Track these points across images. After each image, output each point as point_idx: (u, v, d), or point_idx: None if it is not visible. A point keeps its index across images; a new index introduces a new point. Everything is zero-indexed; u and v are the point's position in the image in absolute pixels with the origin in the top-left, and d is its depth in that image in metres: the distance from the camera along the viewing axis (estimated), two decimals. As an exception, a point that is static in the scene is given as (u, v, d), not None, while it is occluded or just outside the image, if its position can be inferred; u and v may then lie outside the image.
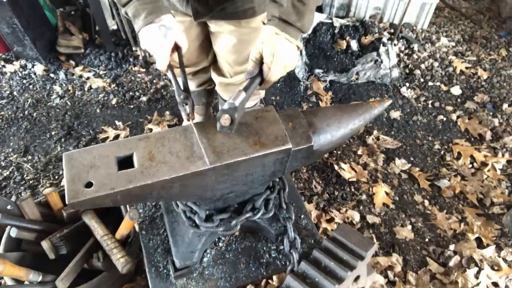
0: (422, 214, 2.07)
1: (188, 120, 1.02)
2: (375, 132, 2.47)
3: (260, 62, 0.99)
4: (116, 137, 2.33)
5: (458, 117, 2.62)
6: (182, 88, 1.05)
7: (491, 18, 3.58)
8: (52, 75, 2.78)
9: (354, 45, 2.90)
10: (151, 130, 2.40)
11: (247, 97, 0.95)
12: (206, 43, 1.57)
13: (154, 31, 1.02)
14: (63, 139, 2.36)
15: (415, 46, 3.10)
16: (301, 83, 2.79)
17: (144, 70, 2.86)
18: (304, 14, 1.00)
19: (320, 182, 2.17)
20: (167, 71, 1.07)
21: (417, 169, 2.27)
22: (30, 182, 2.12)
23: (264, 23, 1.02)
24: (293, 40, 1.00)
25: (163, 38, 1.02)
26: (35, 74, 2.77)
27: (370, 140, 2.41)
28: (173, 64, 1.09)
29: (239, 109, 0.90)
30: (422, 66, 2.97)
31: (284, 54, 0.98)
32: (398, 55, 3.02)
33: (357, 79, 2.79)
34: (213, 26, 1.41)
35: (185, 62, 1.62)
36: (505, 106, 2.69)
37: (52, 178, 2.13)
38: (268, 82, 1.01)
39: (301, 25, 1.00)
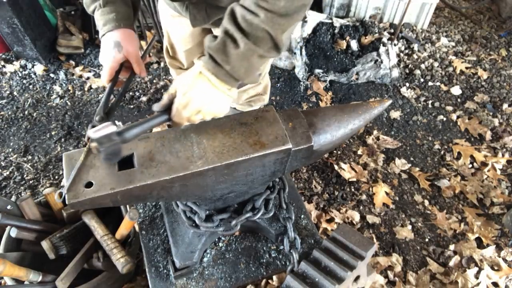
0: (422, 214, 2.07)
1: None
2: (375, 132, 2.47)
3: (174, 98, 0.89)
4: (116, 137, 2.33)
5: (458, 117, 2.62)
6: (104, 109, 0.98)
7: (491, 18, 3.58)
8: (52, 75, 2.78)
9: (354, 45, 2.90)
10: (151, 130, 2.40)
11: (133, 132, 0.84)
12: None
13: (108, 44, 1.00)
14: (63, 139, 2.36)
15: (415, 46, 3.10)
16: (301, 83, 2.79)
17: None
18: (234, 57, 0.83)
19: (320, 182, 2.17)
20: (108, 83, 1.04)
21: (417, 169, 2.27)
22: (30, 182, 2.12)
23: (199, 57, 0.89)
24: (220, 85, 0.87)
25: (111, 54, 1.00)
26: (35, 74, 2.77)
27: (370, 140, 2.41)
28: (119, 81, 1.06)
29: (101, 142, 0.79)
30: (422, 66, 2.97)
31: (198, 98, 0.86)
32: (398, 55, 3.02)
33: (357, 79, 2.79)
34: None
35: (190, 65, 1.63)
36: (505, 106, 2.69)
37: (52, 178, 2.13)
38: (175, 122, 0.91)
39: (231, 69, 0.85)
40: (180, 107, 0.88)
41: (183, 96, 0.87)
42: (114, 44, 1.00)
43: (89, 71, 2.83)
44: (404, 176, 2.25)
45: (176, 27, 1.46)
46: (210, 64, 0.86)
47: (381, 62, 2.79)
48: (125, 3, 1.04)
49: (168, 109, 0.91)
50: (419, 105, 2.70)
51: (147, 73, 2.84)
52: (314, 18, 2.90)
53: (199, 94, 0.87)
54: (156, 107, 0.91)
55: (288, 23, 0.85)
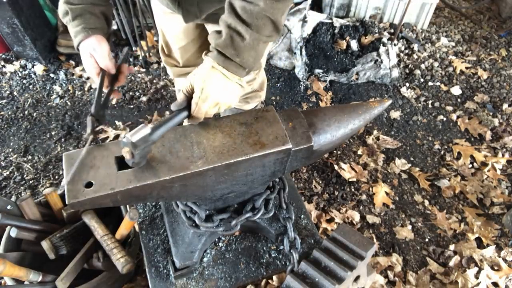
0: (422, 214, 2.07)
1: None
2: (375, 132, 2.47)
3: (191, 95, 0.93)
4: (116, 137, 2.33)
5: (458, 117, 2.62)
6: (99, 101, 1.03)
7: (491, 18, 3.58)
8: (52, 75, 2.78)
9: (354, 45, 2.90)
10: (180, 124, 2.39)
11: (159, 132, 0.86)
12: (207, 44, 1.57)
13: (84, 54, 1.08)
14: (63, 139, 2.36)
15: (415, 46, 3.10)
16: (301, 83, 2.79)
17: (144, 70, 2.86)
18: (242, 50, 0.89)
19: (320, 182, 2.17)
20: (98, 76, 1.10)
21: (417, 169, 2.27)
22: (30, 182, 2.12)
23: (206, 53, 0.94)
24: (232, 76, 0.92)
25: (89, 62, 1.08)
26: (35, 74, 2.77)
27: (370, 140, 2.41)
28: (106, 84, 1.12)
29: (138, 145, 0.81)
30: (422, 66, 2.97)
31: (215, 91, 0.91)
32: (398, 55, 3.02)
33: (357, 79, 2.79)
34: (210, 28, 1.41)
35: (185, 62, 1.64)
36: (505, 106, 2.69)
37: (52, 178, 2.13)
38: (195, 118, 0.94)
39: (241, 60, 0.90)
40: (200, 102, 0.91)
41: (202, 92, 0.90)
42: (89, 54, 1.07)
43: (89, 71, 2.82)
44: (404, 176, 2.25)
45: (169, 24, 1.46)
46: (220, 59, 0.89)
47: (381, 62, 2.79)
48: (94, 15, 1.09)
49: (186, 105, 0.94)
50: (419, 105, 2.70)
51: (147, 73, 2.84)
52: (314, 18, 2.90)
53: (217, 87, 0.91)
54: (174, 106, 0.94)
55: (286, 6, 0.90)
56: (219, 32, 0.91)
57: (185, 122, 1.02)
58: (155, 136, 0.86)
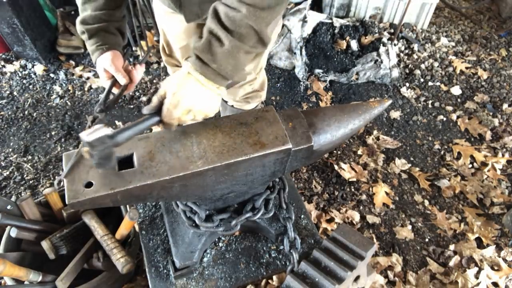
0: (422, 214, 2.07)
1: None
2: (375, 132, 2.47)
3: (163, 100, 0.90)
4: (116, 137, 2.33)
5: (458, 117, 2.62)
6: (105, 102, 1.08)
7: (491, 18, 3.58)
8: (52, 75, 2.78)
9: (354, 45, 2.90)
10: (151, 130, 2.40)
11: (124, 135, 0.84)
12: None
13: (100, 69, 1.18)
14: (63, 139, 2.36)
15: (415, 46, 3.10)
16: (301, 83, 2.79)
17: (144, 70, 2.86)
18: (219, 56, 0.85)
19: (320, 182, 2.17)
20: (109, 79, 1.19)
21: (417, 169, 2.27)
22: (30, 182, 2.12)
23: (187, 58, 0.91)
24: (208, 83, 0.88)
25: (102, 73, 1.18)
26: (35, 74, 2.77)
27: (370, 140, 2.41)
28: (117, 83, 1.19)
29: (94, 145, 0.77)
30: (422, 66, 2.97)
31: (187, 97, 0.87)
32: (398, 55, 3.01)
33: (357, 79, 2.79)
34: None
35: None
36: (505, 106, 2.69)
37: (52, 178, 2.13)
38: (166, 124, 0.91)
39: (218, 67, 0.86)
40: (171, 107, 0.88)
41: (173, 96, 0.87)
42: (103, 69, 1.16)
43: (89, 71, 2.83)
44: (404, 176, 2.25)
45: (171, 24, 1.46)
46: (197, 64, 0.87)
47: (381, 62, 2.79)
48: (108, 33, 1.15)
49: (158, 111, 0.91)
50: (419, 105, 2.70)
51: (147, 73, 2.84)
52: (314, 18, 2.90)
53: (189, 93, 0.88)
54: (146, 109, 0.91)
55: (271, 16, 0.86)
56: (201, 37, 0.89)
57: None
58: (119, 138, 0.83)
